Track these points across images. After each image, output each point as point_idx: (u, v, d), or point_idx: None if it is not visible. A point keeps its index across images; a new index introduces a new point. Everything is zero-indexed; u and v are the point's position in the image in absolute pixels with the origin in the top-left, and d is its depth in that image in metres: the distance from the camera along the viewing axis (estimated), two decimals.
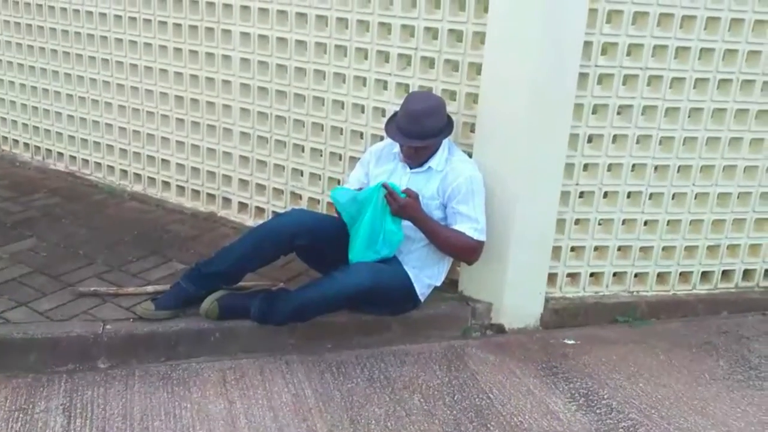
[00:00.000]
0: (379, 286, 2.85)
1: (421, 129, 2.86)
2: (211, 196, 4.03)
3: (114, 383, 2.68)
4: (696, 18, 3.05)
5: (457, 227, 2.91)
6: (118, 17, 4.05)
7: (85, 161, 4.47)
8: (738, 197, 3.40)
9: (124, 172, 4.32)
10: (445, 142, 3.00)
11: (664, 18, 3.03)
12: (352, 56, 3.39)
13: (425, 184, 2.96)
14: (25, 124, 4.69)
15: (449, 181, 2.92)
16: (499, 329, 3.24)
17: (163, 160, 4.14)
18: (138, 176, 4.27)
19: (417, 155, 2.95)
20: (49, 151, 4.62)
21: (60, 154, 4.58)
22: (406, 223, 2.91)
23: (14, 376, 2.68)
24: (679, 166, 3.28)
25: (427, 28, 3.17)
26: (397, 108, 3.00)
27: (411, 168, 3.00)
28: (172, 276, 3.20)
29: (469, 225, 2.90)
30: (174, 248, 3.56)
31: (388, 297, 2.96)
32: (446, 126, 2.95)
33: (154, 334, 2.85)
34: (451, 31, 3.12)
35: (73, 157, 4.52)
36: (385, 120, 3.15)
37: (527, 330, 3.26)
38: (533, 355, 3.06)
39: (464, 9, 3.05)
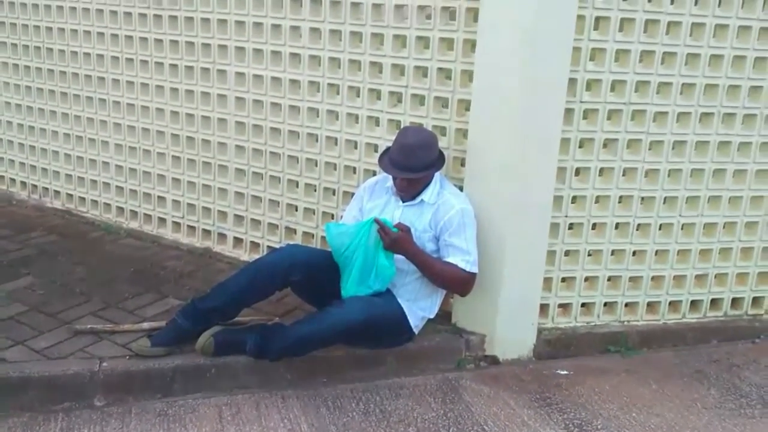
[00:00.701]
0: (373, 320, 2.89)
1: (414, 162, 2.93)
2: (206, 232, 4.08)
3: (111, 421, 2.69)
4: (677, 54, 3.15)
5: (449, 260, 2.96)
6: (115, 58, 4.13)
7: (82, 199, 4.52)
8: (724, 227, 3.47)
9: (121, 209, 4.37)
10: (437, 175, 3.06)
11: (645, 55, 3.13)
12: (344, 94, 3.47)
13: (418, 217, 3.02)
14: (22, 163, 4.75)
15: (441, 214, 2.98)
16: (493, 360, 3.27)
17: (159, 197, 4.19)
18: (134, 213, 4.32)
19: (409, 188, 3.01)
20: (45, 189, 4.67)
21: (57, 193, 4.63)
22: (399, 256, 2.96)
23: (10, 415, 2.68)
24: (665, 198, 3.35)
25: (417, 67, 3.26)
26: (390, 143, 3.07)
27: (403, 201, 3.06)
28: (168, 312, 3.23)
29: (461, 257, 2.95)
30: (170, 284, 3.59)
31: (382, 330, 2.99)
32: (438, 159, 3.02)
33: (151, 371, 2.87)
34: (440, 69, 3.21)
35: (69, 195, 4.57)
36: (377, 155, 3.23)
37: (521, 361, 3.29)
38: (527, 386, 3.09)
39: (452, 48, 3.14)
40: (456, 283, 3.02)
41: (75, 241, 4.11)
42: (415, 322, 3.08)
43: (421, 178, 2.99)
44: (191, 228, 4.13)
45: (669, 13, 3.09)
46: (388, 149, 3.07)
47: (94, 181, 4.44)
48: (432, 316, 3.16)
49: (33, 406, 2.73)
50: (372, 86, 3.39)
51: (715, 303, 3.59)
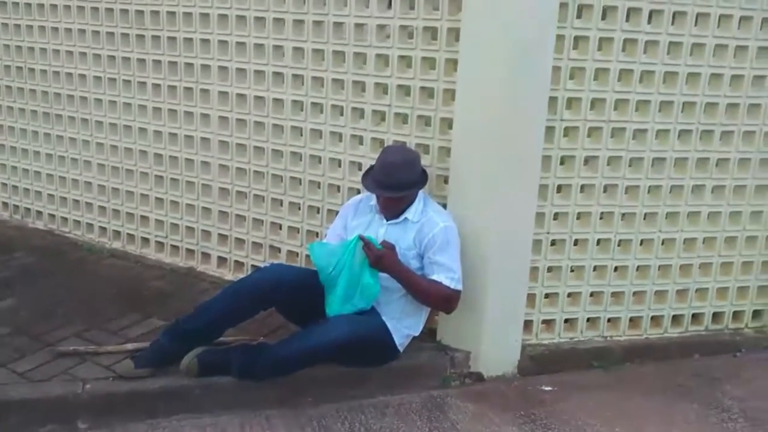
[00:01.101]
0: (357, 339, 2.89)
1: (397, 181, 2.95)
2: (190, 252, 4.07)
3: None
4: (654, 73, 3.20)
5: (434, 277, 2.97)
6: (97, 78, 4.13)
7: (65, 219, 4.50)
8: (703, 242, 3.52)
9: (104, 229, 4.35)
10: (421, 194, 3.08)
11: (624, 73, 3.18)
12: (328, 113, 3.49)
13: (402, 235, 3.03)
14: (4, 184, 4.71)
15: (425, 231, 3.00)
16: (478, 377, 3.28)
17: (142, 216, 4.18)
18: (117, 233, 4.30)
19: (393, 206, 3.03)
20: (28, 209, 4.64)
21: (39, 213, 4.59)
22: (384, 274, 2.97)
23: None
24: (645, 213, 3.39)
25: (400, 86, 3.29)
26: (374, 161, 3.09)
27: (387, 219, 3.07)
28: (151, 333, 3.21)
29: (446, 275, 2.97)
30: (154, 305, 3.57)
31: (367, 349, 2.99)
32: (421, 178, 3.04)
33: (135, 393, 2.85)
34: (422, 88, 3.24)
35: (52, 216, 4.54)
36: (361, 173, 3.25)
37: (505, 377, 3.30)
38: (512, 402, 3.10)
39: (434, 68, 3.18)
40: (441, 300, 3.04)
41: (58, 262, 4.08)
42: (401, 340, 3.09)
43: (405, 197, 3.01)
44: (175, 248, 4.12)
45: (647, 32, 3.15)
46: (371, 168, 3.09)
47: (76, 201, 4.42)
48: (417, 334, 3.16)
49: (17, 430, 2.70)
50: (355, 105, 3.41)
51: (696, 317, 3.64)
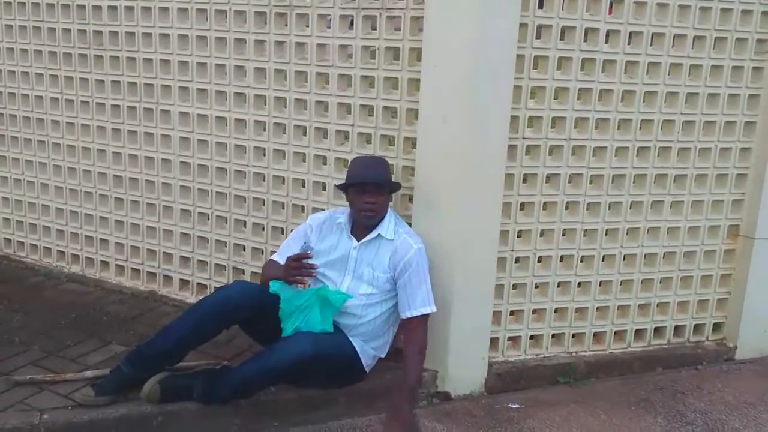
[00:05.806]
0: (321, 355, 2.82)
1: (382, 172, 2.99)
2: (151, 275, 3.99)
3: None
4: (613, 91, 3.26)
5: (417, 312, 2.93)
6: (54, 99, 4.06)
7: (21, 243, 4.38)
8: (664, 257, 3.57)
9: (62, 253, 4.25)
10: (391, 211, 3.07)
11: (583, 92, 3.23)
12: (291, 133, 3.48)
13: (374, 256, 2.99)
14: None
15: (400, 255, 2.96)
16: (446, 397, 3.27)
17: (101, 239, 4.10)
18: (76, 257, 4.20)
19: (378, 206, 2.95)
20: None
21: None
22: (352, 302, 2.95)
23: None
24: (606, 230, 3.44)
25: (363, 106, 3.29)
26: (338, 182, 3.09)
27: (358, 239, 3.03)
28: (112, 359, 3.13)
29: (422, 300, 2.94)
30: (114, 330, 3.49)
31: (331, 367, 2.93)
32: (394, 182, 3.08)
33: (94, 422, 2.77)
34: (386, 108, 3.24)
35: (8, 240, 4.42)
36: (325, 193, 3.24)
37: (473, 396, 3.30)
38: (479, 421, 3.09)
39: (397, 88, 3.19)
40: (426, 335, 3.00)
41: (13, 288, 3.97)
42: (367, 361, 3.06)
43: (386, 197, 3.00)
44: (135, 271, 4.04)
45: (604, 51, 3.21)
46: (343, 183, 3.05)
47: (33, 225, 4.31)
48: (384, 356, 3.14)
49: None
50: (318, 125, 3.40)
51: (658, 331, 3.68)
